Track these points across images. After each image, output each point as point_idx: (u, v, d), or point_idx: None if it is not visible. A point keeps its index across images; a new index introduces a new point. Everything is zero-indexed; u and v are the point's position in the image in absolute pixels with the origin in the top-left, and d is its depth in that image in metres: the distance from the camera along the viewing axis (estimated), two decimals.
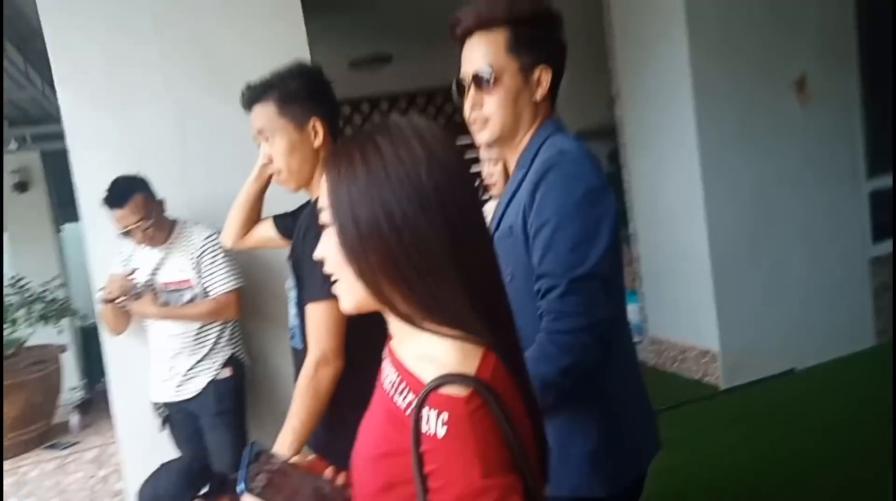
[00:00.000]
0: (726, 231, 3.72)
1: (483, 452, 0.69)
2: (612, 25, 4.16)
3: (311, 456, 1.01)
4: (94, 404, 3.45)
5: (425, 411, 0.70)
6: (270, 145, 1.59)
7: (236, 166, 2.82)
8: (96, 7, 2.66)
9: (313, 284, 1.50)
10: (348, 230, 0.77)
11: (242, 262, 2.59)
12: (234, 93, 2.79)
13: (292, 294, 1.66)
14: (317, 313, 1.51)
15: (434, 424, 0.69)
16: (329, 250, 0.81)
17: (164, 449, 2.48)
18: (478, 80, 1.27)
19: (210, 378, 2.47)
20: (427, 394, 0.71)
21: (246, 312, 2.65)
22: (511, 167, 1.35)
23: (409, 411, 0.73)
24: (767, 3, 3.72)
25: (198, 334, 2.47)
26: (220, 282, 2.46)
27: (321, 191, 0.82)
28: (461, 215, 0.77)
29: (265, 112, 1.59)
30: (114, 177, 2.39)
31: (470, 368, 0.73)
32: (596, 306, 1.16)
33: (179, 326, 2.46)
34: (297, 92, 1.58)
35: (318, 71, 1.66)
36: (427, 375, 0.73)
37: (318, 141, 1.59)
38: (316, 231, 1.44)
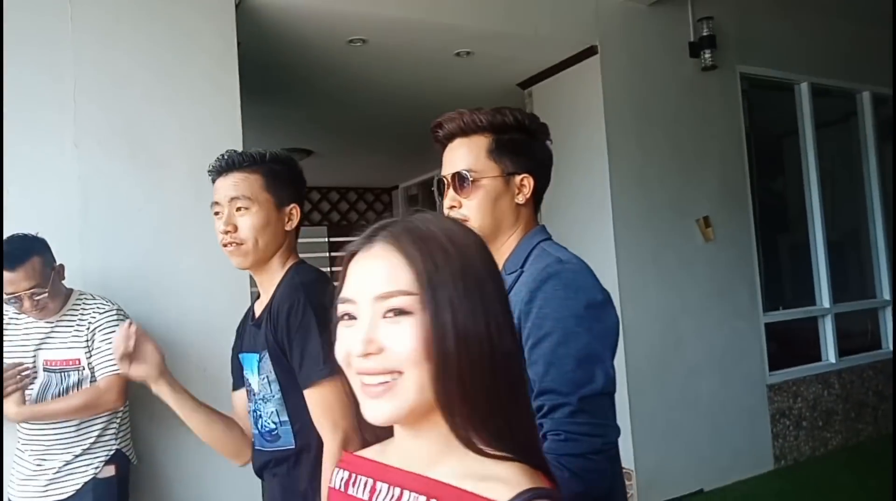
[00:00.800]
0: (640, 354, 3.80)
1: None
2: None
3: None
4: None
5: None
6: (242, 215, 1.53)
7: (138, 239, 2.66)
8: (15, 70, 2.52)
9: (310, 365, 1.43)
10: (446, 325, 0.67)
11: None
12: (149, 164, 2.74)
13: (272, 390, 1.52)
14: (323, 394, 1.42)
15: None
16: (406, 340, 0.68)
17: None
18: (457, 181, 1.27)
19: (89, 477, 2.11)
20: None
21: (131, 405, 2.35)
22: None
23: None
24: (677, 151, 4.08)
25: (80, 423, 2.13)
26: (108, 363, 2.15)
27: (386, 270, 0.70)
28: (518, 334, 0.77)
29: (250, 182, 1.55)
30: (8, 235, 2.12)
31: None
32: (608, 427, 1.08)
33: None
34: (282, 174, 1.59)
35: (297, 163, 1.67)
36: (499, 495, 0.64)
37: (290, 225, 1.60)
38: (301, 308, 1.42)
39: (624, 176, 3.86)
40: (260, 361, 1.54)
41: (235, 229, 1.53)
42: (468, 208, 1.25)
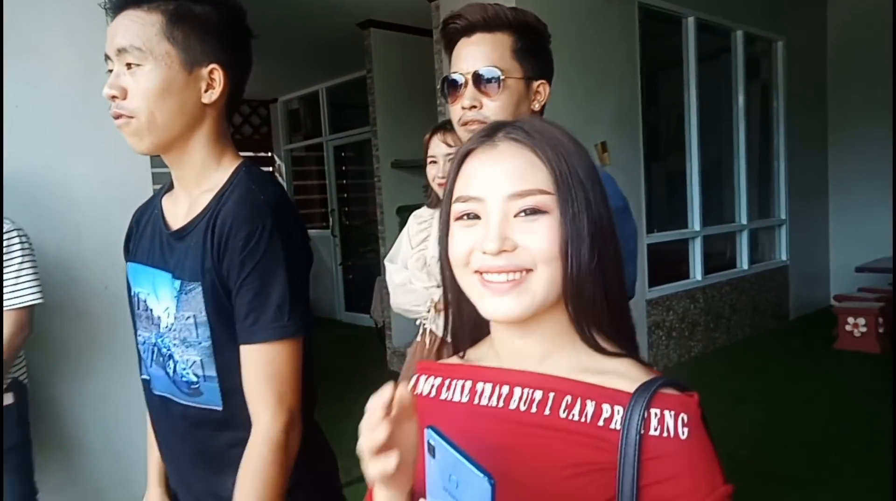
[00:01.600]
0: None
1: (716, 456, 0.63)
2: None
3: None
4: None
5: (654, 413, 0.63)
6: (133, 75, 1.02)
7: (17, 142, 2.29)
8: None
9: (266, 316, 1.02)
10: (581, 226, 0.67)
11: None
12: (29, 53, 2.33)
13: (198, 334, 1.06)
14: (275, 357, 1.02)
15: (672, 426, 0.62)
16: (541, 239, 0.67)
17: None
18: (480, 79, 1.17)
19: None
20: (653, 395, 0.63)
21: None
22: None
23: (613, 423, 0.64)
24: (581, 76, 4.14)
25: None
26: (10, 294, 1.89)
27: (519, 169, 0.68)
28: None
29: (144, 25, 1.01)
30: None
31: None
32: None
33: None
34: (200, 16, 1.04)
35: (240, 8, 1.11)
36: (621, 386, 0.66)
37: (210, 96, 1.07)
38: (266, 238, 1.01)
39: None
40: (182, 291, 1.06)
41: (124, 94, 1.02)
42: (489, 110, 1.17)
